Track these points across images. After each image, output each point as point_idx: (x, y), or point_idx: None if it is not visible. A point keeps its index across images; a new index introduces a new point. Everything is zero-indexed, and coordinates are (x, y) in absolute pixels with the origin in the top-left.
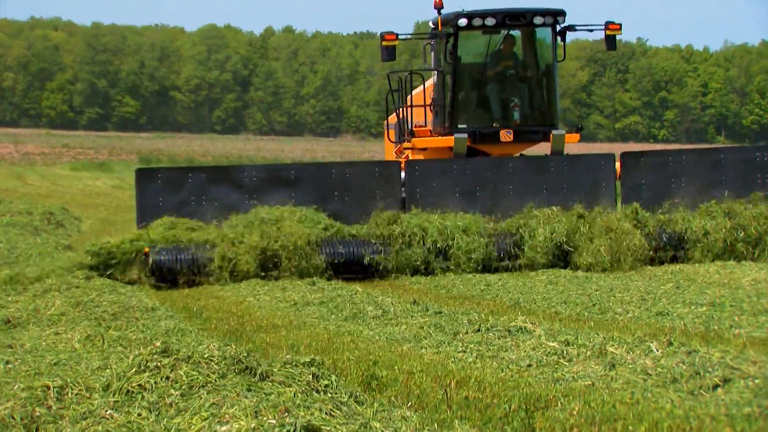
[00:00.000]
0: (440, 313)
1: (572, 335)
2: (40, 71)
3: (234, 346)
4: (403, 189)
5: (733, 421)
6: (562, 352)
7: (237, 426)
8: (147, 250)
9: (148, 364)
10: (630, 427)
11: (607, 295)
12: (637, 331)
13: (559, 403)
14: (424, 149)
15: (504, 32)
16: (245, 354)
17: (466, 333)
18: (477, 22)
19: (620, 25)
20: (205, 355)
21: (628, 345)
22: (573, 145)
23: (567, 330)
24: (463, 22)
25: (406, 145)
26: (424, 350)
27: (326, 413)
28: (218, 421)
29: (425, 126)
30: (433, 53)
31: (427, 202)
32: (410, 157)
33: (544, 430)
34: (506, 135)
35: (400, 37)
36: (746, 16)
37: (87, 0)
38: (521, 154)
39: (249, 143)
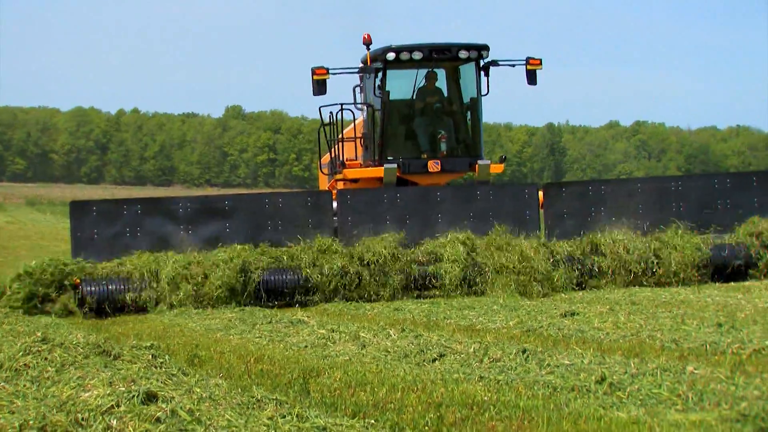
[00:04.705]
0: (243, 310)
1: (336, 325)
2: None
3: (95, 335)
4: (335, 218)
5: (446, 383)
6: (329, 336)
7: (96, 392)
8: (77, 281)
9: (32, 348)
10: (376, 389)
11: None
12: (381, 321)
13: (326, 373)
14: (356, 180)
15: (428, 70)
16: (103, 341)
17: (262, 324)
18: (405, 56)
19: (540, 60)
20: (74, 342)
21: (375, 331)
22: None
23: (332, 321)
24: (391, 56)
25: (338, 177)
26: (231, 336)
27: (162, 382)
28: (83, 390)
29: (356, 160)
30: (362, 91)
31: (358, 230)
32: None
33: (316, 392)
34: (434, 165)
35: (330, 71)
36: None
37: None
38: (448, 183)
39: (107, 191)
